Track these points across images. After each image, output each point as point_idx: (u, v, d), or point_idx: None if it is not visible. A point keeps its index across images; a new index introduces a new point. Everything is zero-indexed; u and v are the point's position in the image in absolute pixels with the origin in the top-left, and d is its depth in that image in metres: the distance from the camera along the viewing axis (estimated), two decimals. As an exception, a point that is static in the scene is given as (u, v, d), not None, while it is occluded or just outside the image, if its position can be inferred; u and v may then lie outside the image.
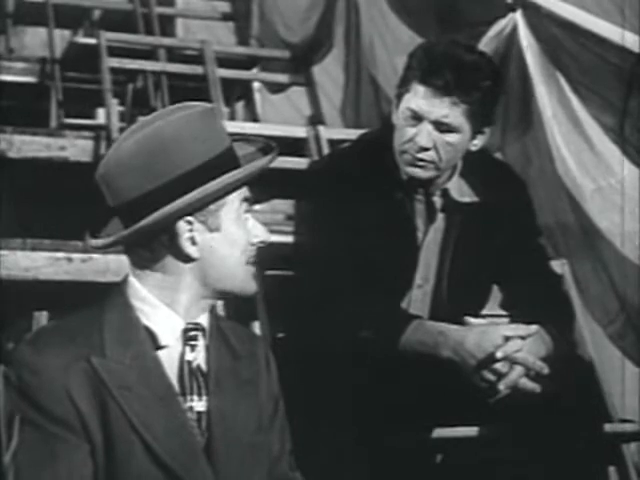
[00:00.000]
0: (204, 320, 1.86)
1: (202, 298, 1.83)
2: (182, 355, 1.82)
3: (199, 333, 1.84)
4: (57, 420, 1.72)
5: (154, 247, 1.81)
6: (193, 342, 1.83)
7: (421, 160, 2.37)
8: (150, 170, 1.77)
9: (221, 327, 1.91)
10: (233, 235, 1.81)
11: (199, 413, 1.82)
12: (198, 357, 1.83)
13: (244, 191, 1.83)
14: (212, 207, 1.79)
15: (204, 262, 1.81)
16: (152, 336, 1.80)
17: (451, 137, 2.36)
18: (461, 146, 2.38)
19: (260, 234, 1.84)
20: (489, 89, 2.36)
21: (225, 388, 1.84)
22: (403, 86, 2.40)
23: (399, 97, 2.41)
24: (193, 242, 1.79)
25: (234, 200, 1.81)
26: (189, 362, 1.82)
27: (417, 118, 2.35)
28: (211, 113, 1.83)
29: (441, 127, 2.35)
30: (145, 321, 1.81)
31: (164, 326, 1.81)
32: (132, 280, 1.83)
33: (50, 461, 1.72)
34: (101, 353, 1.76)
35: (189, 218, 1.78)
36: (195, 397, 1.82)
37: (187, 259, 1.80)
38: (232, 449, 1.82)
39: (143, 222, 1.76)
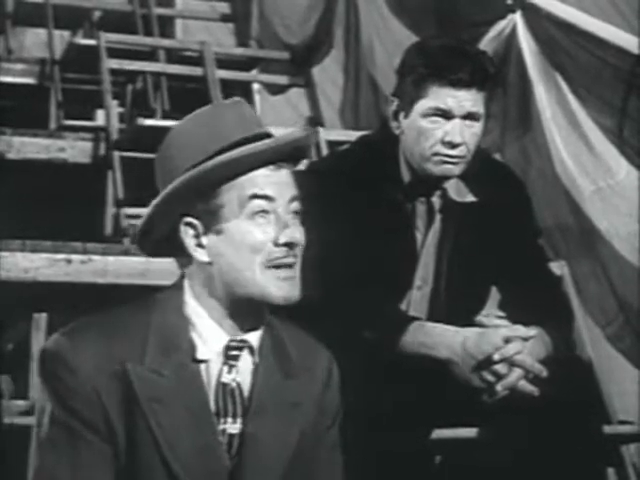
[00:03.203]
0: (253, 337, 1.78)
1: (233, 309, 1.75)
2: (220, 374, 1.75)
3: (242, 352, 1.77)
4: (83, 421, 1.69)
5: (175, 253, 1.78)
6: (233, 362, 1.76)
7: (453, 157, 2.37)
8: (161, 170, 1.79)
9: (281, 340, 1.82)
10: (238, 236, 1.72)
11: (231, 436, 1.75)
12: (238, 377, 1.76)
13: (251, 187, 1.73)
14: (211, 207, 1.72)
15: (217, 267, 1.74)
16: (193, 348, 1.74)
17: (475, 127, 2.38)
18: (480, 134, 2.40)
19: (288, 233, 1.73)
20: (494, 75, 2.40)
21: (267, 412, 1.76)
22: (408, 95, 2.39)
23: (409, 105, 2.39)
24: (200, 245, 1.74)
25: (236, 198, 1.72)
26: (224, 384, 1.75)
27: (446, 117, 2.35)
28: (239, 105, 1.79)
29: (470, 118, 2.36)
30: (192, 331, 1.75)
31: (205, 339, 1.75)
32: (186, 285, 1.78)
33: (74, 460, 1.69)
34: (139, 359, 1.70)
35: (191, 220, 1.73)
36: (229, 419, 1.75)
37: (200, 264, 1.74)
38: (262, 476, 1.75)
39: (144, 217, 1.74)
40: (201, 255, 1.74)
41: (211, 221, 1.73)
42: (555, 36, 3.54)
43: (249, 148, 1.71)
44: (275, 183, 1.74)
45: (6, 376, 3.34)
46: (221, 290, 1.74)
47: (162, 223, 1.75)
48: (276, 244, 1.73)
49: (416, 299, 2.49)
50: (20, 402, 3.06)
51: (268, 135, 1.76)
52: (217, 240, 1.73)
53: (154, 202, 1.74)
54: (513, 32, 3.68)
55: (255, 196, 1.72)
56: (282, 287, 1.74)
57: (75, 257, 3.03)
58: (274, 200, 1.74)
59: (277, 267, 1.73)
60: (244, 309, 1.76)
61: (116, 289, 3.00)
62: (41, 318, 2.98)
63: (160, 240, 1.78)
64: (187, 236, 1.74)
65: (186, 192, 1.71)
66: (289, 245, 1.73)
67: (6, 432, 2.75)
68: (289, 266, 1.74)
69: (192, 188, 1.71)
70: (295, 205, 1.76)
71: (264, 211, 1.73)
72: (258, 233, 1.72)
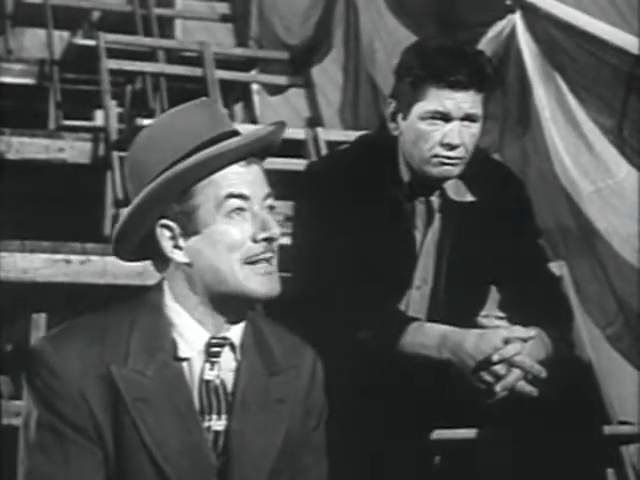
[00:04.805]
0: (234, 334, 1.79)
1: (214, 307, 1.77)
2: (202, 372, 1.76)
3: (223, 349, 1.78)
4: (72, 424, 1.69)
5: (152, 256, 1.79)
6: (214, 359, 1.77)
7: (452, 158, 2.37)
8: (134, 173, 1.79)
9: (264, 337, 1.83)
10: (216, 235, 1.73)
11: (216, 433, 1.76)
12: (221, 374, 1.77)
13: (226, 187, 1.74)
14: (187, 208, 1.73)
15: (196, 267, 1.75)
16: (175, 347, 1.75)
17: (474, 128, 2.38)
18: (478, 135, 2.40)
19: (267, 229, 1.75)
20: (492, 76, 2.40)
21: (251, 409, 1.77)
22: (406, 97, 2.38)
23: (407, 107, 2.39)
24: (178, 247, 1.75)
25: (211, 198, 1.73)
26: (207, 381, 1.76)
27: (445, 119, 2.35)
28: (207, 105, 1.80)
29: (468, 120, 2.36)
30: (173, 332, 1.76)
31: (187, 338, 1.76)
32: (165, 286, 1.79)
33: (63, 463, 1.70)
34: (123, 361, 1.71)
35: (167, 222, 1.74)
36: (214, 416, 1.76)
37: (178, 265, 1.76)
38: (249, 473, 1.75)
39: (118, 224, 1.75)
40: (179, 256, 1.75)
41: (187, 222, 1.74)
42: (554, 36, 3.54)
43: (221, 146, 1.73)
44: (249, 181, 1.76)
45: (5, 377, 3.33)
46: (201, 289, 1.76)
47: (138, 228, 1.76)
48: (255, 240, 1.75)
49: (415, 299, 2.48)
50: (19, 403, 3.05)
51: (236, 133, 1.78)
52: (195, 241, 1.74)
53: (130, 207, 1.75)
54: (512, 32, 3.68)
55: (231, 195, 1.74)
56: (263, 282, 1.76)
57: (74, 257, 3.04)
58: (249, 198, 1.75)
59: (256, 263, 1.75)
60: (225, 307, 1.77)
61: (115, 289, 3.01)
62: (40, 318, 2.98)
63: (136, 245, 1.79)
64: (164, 238, 1.75)
65: (161, 194, 1.72)
66: (268, 240, 1.75)
67: (5, 433, 2.74)
68: (267, 261, 1.76)
69: (167, 190, 1.72)
70: (270, 201, 1.79)
71: (240, 209, 1.75)
72: (235, 231, 1.74)
